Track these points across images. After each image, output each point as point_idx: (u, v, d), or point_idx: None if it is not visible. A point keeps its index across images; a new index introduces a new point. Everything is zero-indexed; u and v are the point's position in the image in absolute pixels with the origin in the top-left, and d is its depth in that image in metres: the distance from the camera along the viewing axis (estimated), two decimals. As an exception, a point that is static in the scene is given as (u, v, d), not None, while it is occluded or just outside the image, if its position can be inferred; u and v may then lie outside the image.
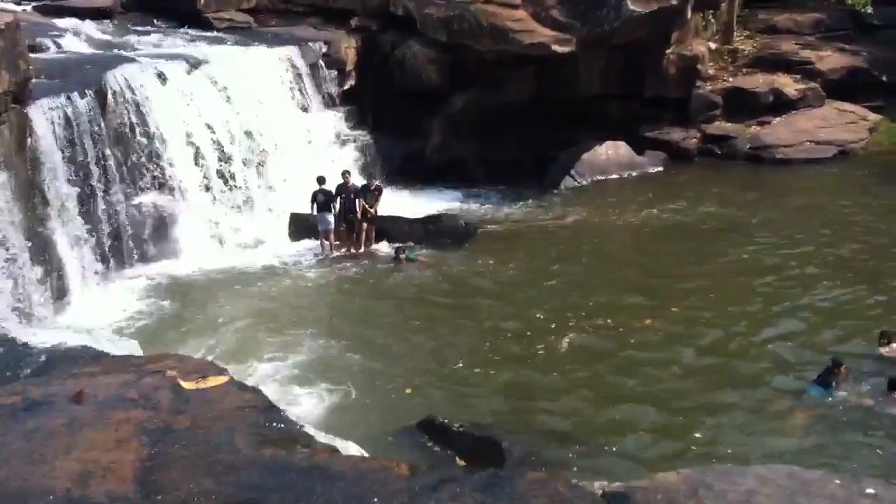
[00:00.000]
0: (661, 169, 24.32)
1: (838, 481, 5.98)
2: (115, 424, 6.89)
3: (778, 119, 25.90)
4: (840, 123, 25.93)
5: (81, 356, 9.62)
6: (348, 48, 23.95)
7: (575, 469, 9.54)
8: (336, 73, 23.51)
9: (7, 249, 13.44)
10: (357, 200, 18.12)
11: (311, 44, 23.33)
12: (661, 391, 11.93)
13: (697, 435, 10.81)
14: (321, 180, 18.07)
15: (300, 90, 22.25)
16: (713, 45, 27.77)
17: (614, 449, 10.44)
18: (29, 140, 14.65)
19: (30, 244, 14.00)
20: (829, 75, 27.02)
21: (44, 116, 15.13)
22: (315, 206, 18.03)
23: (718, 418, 11.21)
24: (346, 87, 23.79)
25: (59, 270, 14.85)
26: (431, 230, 18.65)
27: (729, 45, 28.29)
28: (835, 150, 25.01)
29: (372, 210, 18.37)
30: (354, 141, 22.93)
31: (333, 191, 18.10)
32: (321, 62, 23.20)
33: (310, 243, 18.36)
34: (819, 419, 11.17)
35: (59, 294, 14.73)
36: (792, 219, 19.69)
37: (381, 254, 18.16)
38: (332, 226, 18.09)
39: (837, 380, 11.66)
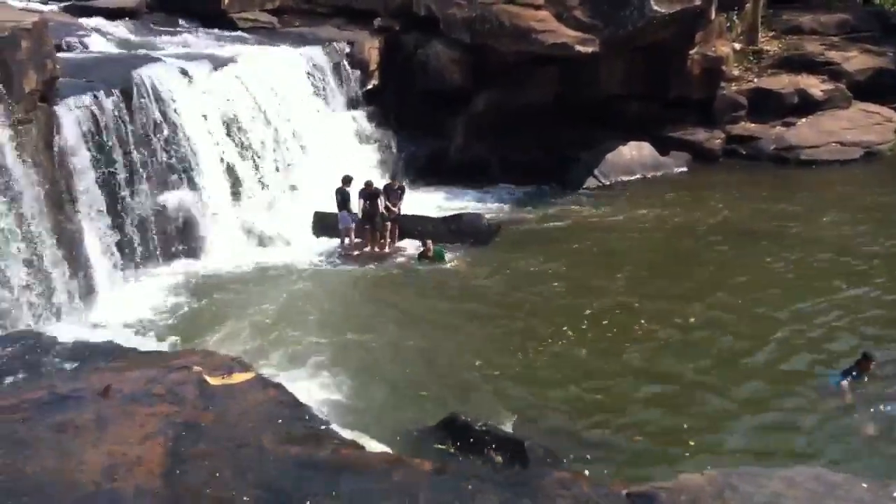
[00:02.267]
0: (685, 169, 24.23)
1: (865, 484, 5.95)
2: (142, 419, 6.97)
3: (803, 120, 25.74)
4: (866, 124, 25.74)
5: (109, 352, 9.71)
6: (371, 48, 24.00)
7: (605, 471, 9.51)
8: (359, 73, 23.57)
9: (35, 247, 13.57)
10: (380, 200, 18.16)
11: (334, 44, 23.40)
12: (685, 392, 11.88)
13: (723, 436, 10.77)
14: (346, 180, 18.13)
15: (323, 90, 22.33)
16: (738, 46, 27.64)
17: (638, 450, 10.40)
18: (56, 138, 14.79)
19: (57, 242, 14.12)
20: (855, 76, 26.85)
21: (71, 115, 15.26)
22: (337, 204, 18.12)
23: (744, 419, 11.15)
24: (368, 87, 23.83)
25: (86, 268, 14.97)
26: (454, 229, 18.66)
27: (754, 45, 28.16)
28: (861, 151, 24.85)
29: (395, 209, 18.41)
30: (377, 141, 22.97)
31: (357, 193, 18.13)
32: (344, 62, 23.28)
33: (334, 241, 18.46)
34: (845, 417, 11.11)
35: (87, 291, 14.85)
36: (819, 219, 19.53)
37: (404, 252, 18.18)
38: (352, 224, 18.14)
39: (863, 373, 11.61)
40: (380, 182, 19.26)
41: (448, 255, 17.59)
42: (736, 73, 26.67)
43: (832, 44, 28.01)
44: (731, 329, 13.91)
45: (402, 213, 18.73)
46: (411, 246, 18.37)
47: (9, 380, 8.90)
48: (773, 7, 29.80)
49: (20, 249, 13.29)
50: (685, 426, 10.95)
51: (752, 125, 25.76)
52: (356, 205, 18.13)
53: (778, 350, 13.11)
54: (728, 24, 27.44)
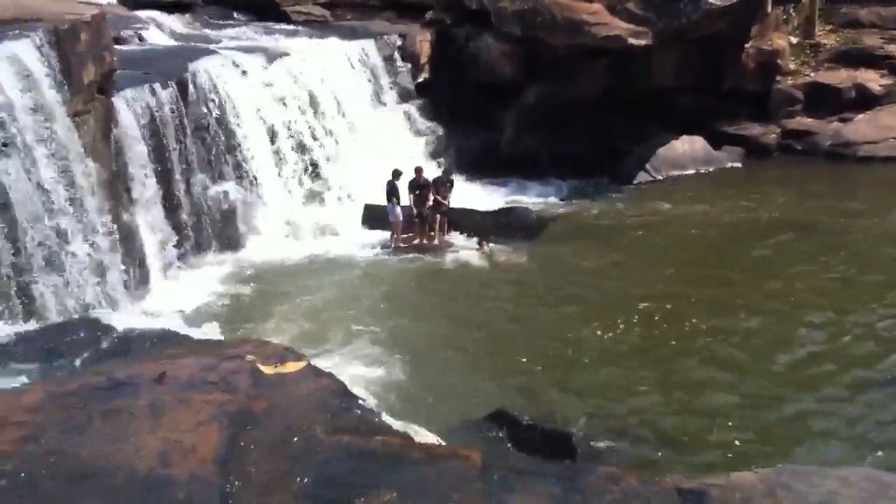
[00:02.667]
0: (738, 164, 23.91)
1: (922, 485, 5.84)
2: (197, 406, 7.07)
3: (861, 115, 25.22)
4: (926, 120, 25.14)
5: (163, 340, 9.88)
6: (423, 41, 24.04)
7: (648, 465, 9.46)
8: (410, 66, 23.64)
9: (92, 236, 13.84)
10: (430, 192, 18.21)
11: (386, 37, 23.52)
12: (734, 391, 11.73)
13: (775, 435, 10.62)
14: (396, 174, 18.21)
15: (375, 83, 22.45)
16: (794, 40, 27.17)
17: (689, 446, 10.31)
18: (113, 129, 15.06)
19: (113, 231, 14.39)
20: (915, 70, 26.23)
21: (127, 107, 15.52)
22: (386, 197, 18.22)
23: (797, 419, 11.00)
24: (420, 80, 23.90)
25: (141, 257, 15.24)
26: (503, 222, 18.65)
27: (811, 39, 27.65)
28: (921, 147, 24.27)
29: (445, 202, 18.44)
30: (428, 133, 23.04)
31: (407, 185, 18.20)
32: (396, 55, 23.37)
33: (383, 234, 18.54)
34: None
35: (142, 280, 15.12)
36: (876, 217, 19.13)
37: (454, 245, 18.21)
38: (400, 217, 18.22)
39: None
40: (431, 174, 19.28)
41: (496, 250, 17.59)
42: (792, 66, 26.23)
43: (892, 37, 27.37)
44: (786, 324, 13.72)
45: (452, 205, 18.74)
46: (461, 239, 18.39)
47: (65, 366, 9.10)
48: (831, 0, 29.24)
49: (78, 239, 13.55)
50: (735, 425, 10.82)
51: (808, 120, 25.31)
52: (406, 198, 18.21)
53: (833, 349, 12.89)
54: (784, 17, 26.98)
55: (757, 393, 11.65)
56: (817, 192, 21.35)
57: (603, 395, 11.69)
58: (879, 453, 9.99)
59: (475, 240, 18.02)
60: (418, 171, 18.45)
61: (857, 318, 13.90)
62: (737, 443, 10.37)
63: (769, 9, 23.94)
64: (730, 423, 10.81)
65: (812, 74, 26.29)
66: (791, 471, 6.16)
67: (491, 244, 17.81)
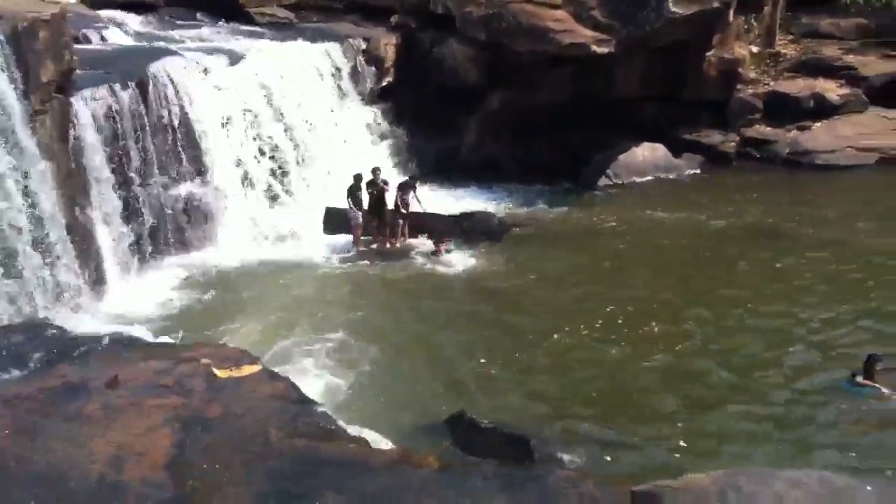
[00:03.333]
0: (698, 171, 24.14)
1: (870, 488, 5.94)
2: (150, 410, 7.02)
3: (819, 124, 25.58)
4: (883, 130, 25.50)
5: (118, 343, 9.74)
6: (387, 45, 24.00)
7: (610, 471, 9.50)
8: (375, 69, 23.58)
9: (47, 237, 13.64)
10: (387, 194, 18.20)
11: (350, 40, 23.42)
12: (690, 394, 11.85)
13: (729, 437, 10.74)
14: (357, 178, 18.17)
15: (339, 86, 22.37)
16: (755, 49, 27.49)
17: (643, 450, 10.39)
18: (71, 130, 14.86)
19: (69, 232, 14.19)
20: (872, 81, 26.61)
21: (86, 107, 15.33)
22: (348, 201, 18.17)
23: (750, 421, 11.12)
24: (384, 84, 23.85)
25: (97, 259, 15.05)
26: (465, 227, 18.67)
27: (771, 48, 27.98)
28: (877, 156, 24.62)
29: (405, 205, 18.40)
30: (391, 137, 23.02)
31: (364, 186, 18.18)
32: (360, 59, 23.29)
33: (344, 237, 18.47)
34: (853, 419, 11.08)
35: (98, 282, 14.94)
36: (831, 225, 19.43)
37: (415, 249, 18.19)
38: (360, 220, 18.18)
39: (873, 376, 11.58)
40: (394, 178, 19.24)
41: (458, 254, 17.62)
42: (752, 75, 26.52)
43: (850, 48, 27.82)
44: (741, 330, 13.89)
45: (414, 210, 18.73)
46: (422, 243, 18.38)
47: (18, 370, 8.94)
48: (792, 10, 29.63)
49: (33, 240, 13.35)
50: (695, 427, 10.93)
51: (767, 128, 25.62)
52: (366, 201, 18.19)
53: (789, 352, 13.07)
54: (746, 27, 27.29)
55: (712, 397, 11.79)
56: (775, 199, 21.62)
57: (561, 399, 11.75)
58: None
59: (432, 242, 18.02)
60: (375, 171, 18.42)
61: (810, 323, 14.10)
62: (689, 445, 10.46)
63: (731, 18, 24.20)
64: (684, 427, 10.91)
65: (772, 83, 26.61)
66: (743, 472, 6.24)
67: (451, 247, 17.81)
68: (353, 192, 18.09)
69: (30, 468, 6.22)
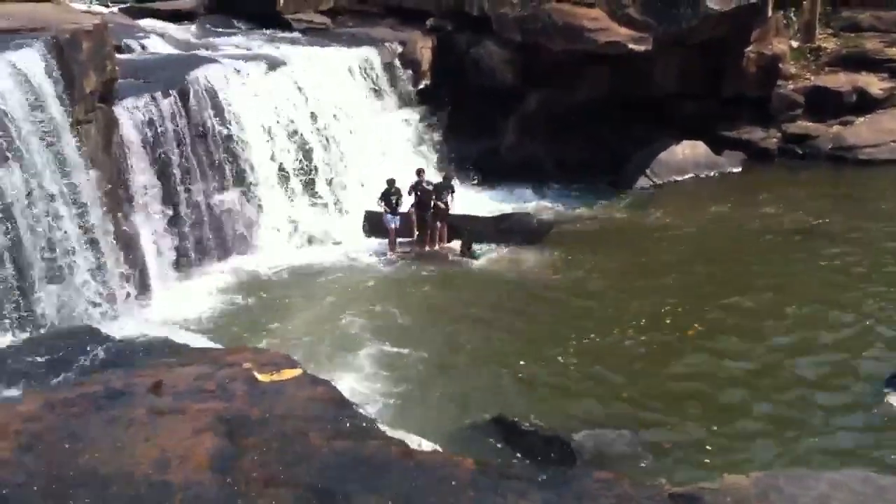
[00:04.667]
0: (739, 169, 23.89)
1: (915, 488, 5.84)
2: (193, 414, 7.11)
3: (861, 119, 25.22)
4: (928, 123, 25.11)
5: (162, 348, 9.91)
6: (424, 48, 24.09)
7: (644, 469, 9.47)
8: (411, 72, 23.66)
9: (92, 244, 13.89)
10: (431, 197, 18.24)
11: (387, 44, 23.53)
12: (734, 395, 11.76)
13: (771, 439, 10.63)
14: (391, 182, 18.27)
15: (376, 90, 22.48)
16: (795, 44, 27.17)
17: (685, 452, 10.32)
18: (115, 138, 15.13)
19: (114, 239, 14.44)
20: (916, 74, 26.19)
21: (129, 116, 15.61)
22: (381, 204, 18.27)
23: (794, 423, 11.00)
24: (421, 87, 23.93)
25: (141, 265, 15.30)
26: (504, 228, 18.67)
27: (811, 43, 27.64)
28: (922, 150, 24.24)
29: (446, 208, 18.44)
30: (429, 140, 23.09)
31: (406, 189, 18.25)
32: (397, 62, 23.40)
33: (383, 241, 18.58)
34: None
35: (142, 288, 15.17)
36: (876, 222, 19.12)
37: (454, 251, 18.24)
38: (396, 225, 18.27)
39: None
40: (432, 180, 19.29)
41: (497, 255, 17.64)
42: (793, 71, 26.21)
43: (892, 41, 27.37)
44: (782, 331, 13.73)
45: (452, 212, 18.75)
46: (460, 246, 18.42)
47: (64, 374, 9.14)
48: (832, 4, 29.24)
49: (79, 247, 13.60)
50: (733, 430, 10.84)
51: (809, 124, 25.31)
52: (406, 204, 18.26)
53: (829, 354, 12.90)
54: (785, 22, 26.98)
55: (759, 401, 11.65)
56: (819, 195, 21.35)
57: (604, 402, 11.70)
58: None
59: (460, 244, 18.07)
60: (419, 172, 18.50)
61: (855, 324, 13.90)
62: (727, 449, 10.38)
63: (770, 13, 23.95)
64: (727, 429, 10.82)
65: (813, 78, 26.26)
66: (784, 474, 6.17)
67: (480, 248, 17.79)
68: (387, 196, 18.20)
69: (72, 471, 6.34)
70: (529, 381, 12.33)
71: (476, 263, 17.47)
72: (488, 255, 17.85)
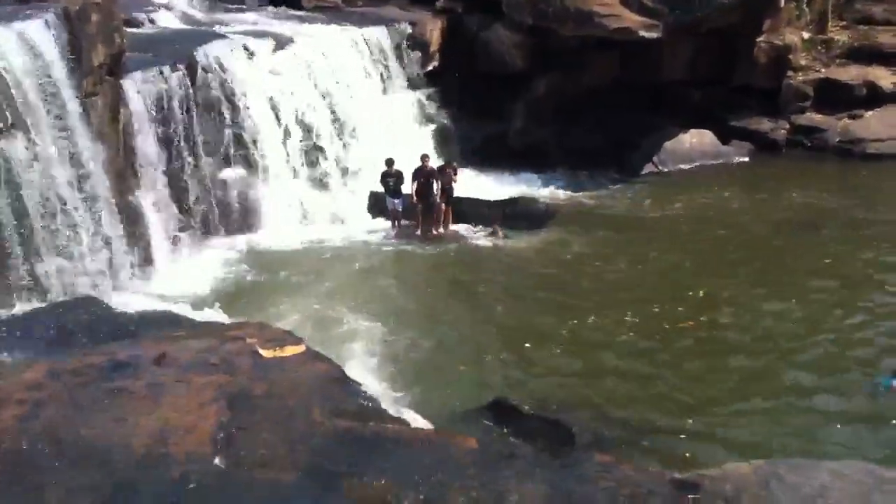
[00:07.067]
0: (746, 159, 23.77)
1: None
2: (196, 387, 7.14)
3: (871, 112, 25.04)
4: (937, 119, 24.97)
5: (164, 321, 9.93)
6: (433, 30, 23.96)
7: (653, 458, 9.45)
8: (420, 54, 23.54)
9: (97, 217, 13.91)
10: (434, 182, 18.19)
11: (396, 25, 23.43)
12: (736, 382, 11.76)
13: (772, 427, 10.62)
14: (389, 163, 18.23)
15: (384, 70, 22.40)
16: (806, 35, 26.99)
17: (686, 437, 10.32)
18: (122, 111, 15.11)
19: (119, 213, 14.46)
20: (928, 68, 26.02)
21: (136, 89, 15.58)
22: (384, 187, 18.24)
23: (796, 412, 11.01)
24: (429, 69, 23.81)
25: (146, 239, 15.32)
26: (509, 213, 18.65)
27: (823, 35, 27.46)
28: (930, 146, 24.11)
29: (449, 191, 18.38)
30: (436, 122, 23.00)
31: (411, 174, 18.21)
32: (406, 43, 23.29)
33: (387, 221, 18.58)
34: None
35: (146, 262, 15.20)
36: (883, 214, 19.07)
37: (457, 234, 18.22)
38: (397, 207, 18.27)
39: None
40: (435, 163, 19.23)
41: (502, 239, 17.66)
42: (803, 62, 26.03)
43: (905, 35, 27.20)
44: (784, 321, 13.69)
45: (457, 195, 18.71)
46: (465, 229, 18.39)
47: (68, 345, 9.16)
48: (845, -4, 29.06)
49: (83, 219, 13.61)
50: (735, 417, 10.85)
51: (818, 116, 25.13)
52: (407, 186, 18.22)
53: (833, 346, 12.88)
54: (797, 13, 26.81)
55: (761, 389, 11.65)
56: (825, 187, 21.23)
57: (604, 387, 11.70)
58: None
59: (485, 228, 18.12)
60: (424, 158, 18.42)
61: (859, 316, 13.87)
62: (730, 437, 10.39)
63: (782, 3, 23.81)
64: (730, 416, 10.84)
65: (823, 70, 26.08)
66: (786, 463, 6.19)
67: (505, 232, 17.86)
68: (385, 177, 18.17)
69: (74, 442, 6.36)
70: (531, 366, 12.33)
71: (481, 245, 17.45)
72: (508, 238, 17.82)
